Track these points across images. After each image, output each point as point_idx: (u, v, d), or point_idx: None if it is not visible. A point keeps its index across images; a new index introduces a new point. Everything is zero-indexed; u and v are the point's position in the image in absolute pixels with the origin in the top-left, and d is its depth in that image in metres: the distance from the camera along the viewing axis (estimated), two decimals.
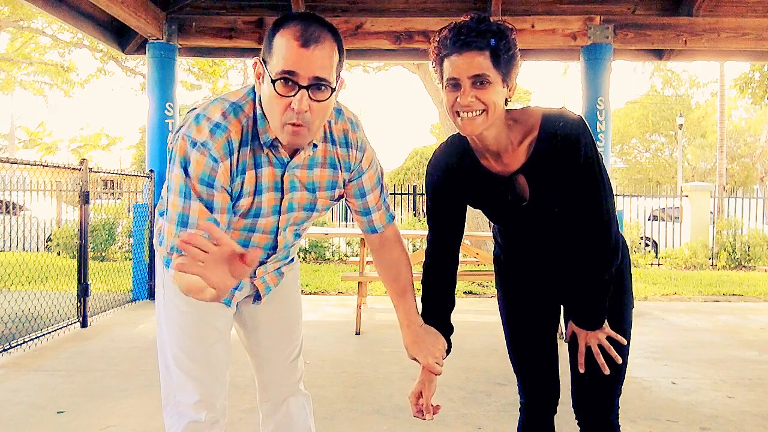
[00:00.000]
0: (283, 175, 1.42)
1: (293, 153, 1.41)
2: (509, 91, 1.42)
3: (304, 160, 1.43)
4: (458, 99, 1.38)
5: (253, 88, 1.36)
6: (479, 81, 1.36)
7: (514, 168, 1.49)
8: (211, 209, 1.31)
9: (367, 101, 55.47)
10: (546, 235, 1.58)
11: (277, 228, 1.50)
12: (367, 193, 1.55)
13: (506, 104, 1.46)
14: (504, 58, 1.36)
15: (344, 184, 1.53)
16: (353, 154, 1.49)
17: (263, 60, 1.29)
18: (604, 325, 1.53)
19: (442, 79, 1.43)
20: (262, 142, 1.36)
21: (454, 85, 1.39)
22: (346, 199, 1.57)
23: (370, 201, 1.56)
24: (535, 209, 1.52)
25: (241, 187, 1.38)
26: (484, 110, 1.38)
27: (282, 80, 1.24)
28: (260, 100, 1.33)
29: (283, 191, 1.44)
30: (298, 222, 1.54)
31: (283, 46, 1.24)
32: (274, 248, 1.55)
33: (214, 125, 1.31)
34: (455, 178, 1.55)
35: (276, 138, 1.35)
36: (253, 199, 1.41)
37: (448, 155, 1.57)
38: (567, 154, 1.43)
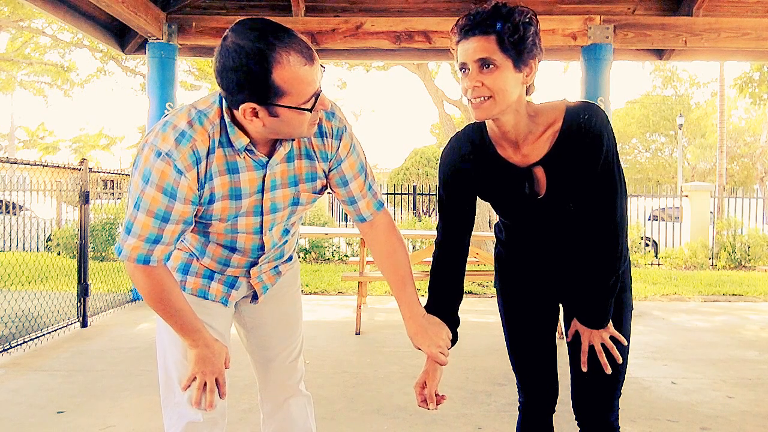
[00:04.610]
0: (264, 176, 1.42)
1: (271, 151, 1.41)
2: (526, 76, 1.39)
3: (283, 155, 1.42)
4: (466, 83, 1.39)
5: (220, 95, 1.34)
6: (485, 65, 1.35)
7: (533, 160, 1.47)
8: (166, 220, 1.32)
9: (367, 101, 55.47)
10: (556, 232, 1.57)
11: (261, 228, 1.50)
12: (349, 182, 1.54)
13: (528, 92, 1.44)
14: (510, 41, 1.34)
15: (325, 175, 1.52)
16: (328, 143, 1.48)
17: (267, 102, 1.24)
18: (608, 325, 1.53)
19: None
20: (236, 149, 1.35)
21: (464, 70, 1.39)
22: (331, 190, 1.56)
23: (354, 189, 1.55)
24: (549, 204, 1.51)
25: (212, 192, 1.37)
26: (491, 95, 1.37)
27: (314, 98, 1.28)
28: (228, 108, 1.32)
29: (263, 191, 1.44)
30: (284, 219, 1.54)
31: (297, 76, 1.23)
32: (262, 248, 1.55)
33: (179, 134, 1.31)
34: (469, 165, 1.53)
35: (251, 142, 1.35)
36: (230, 203, 1.41)
37: (463, 142, 1.55)
38: (589, 148, 1.42)
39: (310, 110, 1.28)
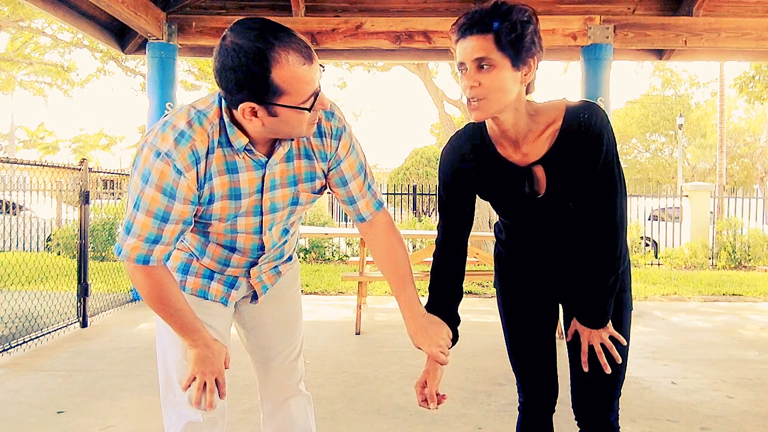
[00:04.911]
0: (263, 176, 1.42)
1: (270, 151, 1.41)
2: (525, 75, 1.39)
3: (282, 155, 1.42)
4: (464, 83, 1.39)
5: (220, 94, 1.33)
6: (482, 64, 1.35)
7: (533, 159, 1.47)
8: (165, 220, 1.32)
9: (367, 101, 55.46)
10: (555, 232, 1.57)
11: (260, 228, 1.50)
12: (348, 181, 1.53)
13: (528, 91, 1.44)
14: (508, 39, 1.33)
15: (324, 175, 1.52)
16: (327, 143, 1.48)
17: (266, 102, 1.24)
18: (607, 325, 1.53)
19: None
20: (236, 149, 1.35)
21: (462, 69, 1.39)
22: (331, 190, 1.56)
23: (353, 189, 1.55)
24: (549, 204, 1.51)
25: (211, 192, 1.37)
26: (488, 95, 1.36)
27: (313, 97, 1.27)
28: (227, 107, 1.32)
29: (263, 191, 1.44)
30: (283, 219, 1.54)
31: (296, 75, 1.23)
32: (261, 248, 1.55)
33: (179, 134, 1.30)
34: (469, 165, 1.53)
35: (250, 142, 1.35)
36: (229, 203, 1.41)
37: (463, 141, 1.55)
38: (589, 148, 1.42)
39: (309, 110, 1.28)
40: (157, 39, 5.92)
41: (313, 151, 1.47)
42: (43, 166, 4.70)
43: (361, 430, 2.81)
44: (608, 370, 1.52)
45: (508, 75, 1.36)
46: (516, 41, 1.34)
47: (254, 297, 1.68)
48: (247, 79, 1.21)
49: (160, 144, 1.30)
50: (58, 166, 5.00)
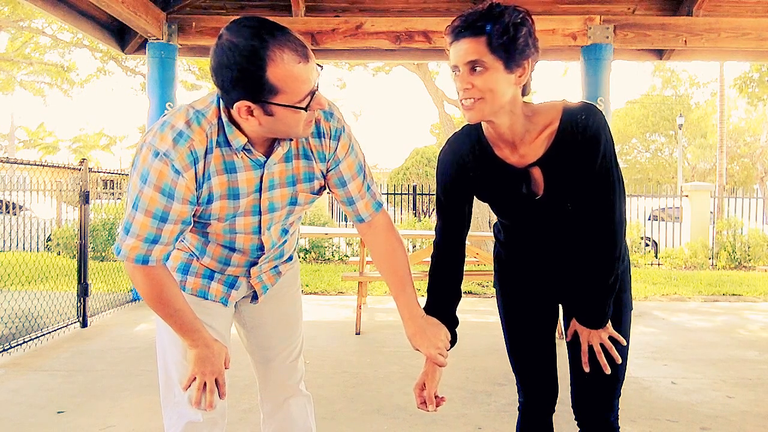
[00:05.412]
0: (262, 176, 1.42)
1: (269, 151, 1.41)
2: (519, 77, 1.38)
3: (281, 155, 1.42)
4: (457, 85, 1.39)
5: (218, 95, 1.33)
6: (475, 67, 1.35)
7: (530, 160, 1.47)
8: (164, 220, 1.32)
9: (367, 101, 55.46)
10: (554, 233, 1.57)
11: (259, 228, 1.50)
12: (347, 182, 1.53)
13: (524, 93, 1.43)
14: (500, 42, 1.33)
15: (323, 175, 1.52)
16: (326, 143, 1.47)
17: (262, 101, 1.24)
18: (606, 325, 1.53)
19: None
20: (234, 148, 1.35)
21: (456, 72, 1.39)
22: (330, 190, 1.56)
23: (352, 190, 1.54)
24: (547, 205, 1.51)
25: (210, 192, 1.37)
26: (481, 97, 1.36)
27: (310, 97, 1.27)
28: (225, 107, 1.32)
29: (261, 191, 1.44)
30: (282, 219, 1.54)
31: (292, 74, 1.22)
32: (261, 248, 1.55)
33: (177, 134, 1.30)
34: (467, 166, 1.53)
35: (248, 141, 1.35)
36: (228, 203, 1.41)
37: (460, 143, 1.55)
38: (587, 149, 1.42)
39: (306, 109, 1.28)
40: (157, 39, 5.92)
41: (312, 152, 1.47)
42: (43, 166, 4.70)
43: (361, 430, 2.81)
44: (608, 371, 1.52)
45: (501, 77, 1.36)
46: (508, 44, 1.34)
47: (254, 297, 1.68)
48: (242, 77, 1.21)
49: (159, 144, 1.29)
50: (58, 166, 5.00)
